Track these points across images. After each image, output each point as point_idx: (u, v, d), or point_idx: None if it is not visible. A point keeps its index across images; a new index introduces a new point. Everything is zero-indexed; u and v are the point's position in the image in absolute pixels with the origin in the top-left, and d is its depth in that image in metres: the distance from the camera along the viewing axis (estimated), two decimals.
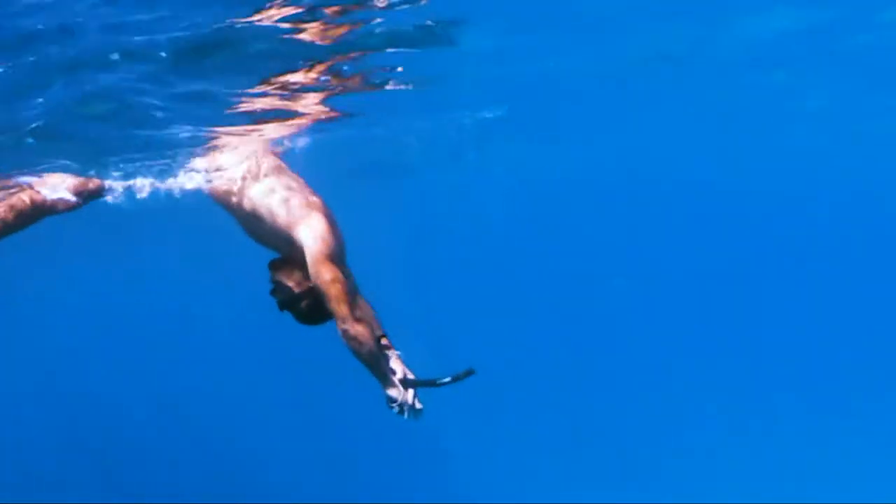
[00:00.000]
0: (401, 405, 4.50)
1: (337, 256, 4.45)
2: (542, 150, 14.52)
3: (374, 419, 4.78)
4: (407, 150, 10.58)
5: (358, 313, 4.41)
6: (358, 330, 4.38)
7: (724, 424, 21.45)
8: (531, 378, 23.50)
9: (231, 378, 21.19)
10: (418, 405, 4.52)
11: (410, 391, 4.48)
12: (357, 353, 4.42)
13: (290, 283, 4.56)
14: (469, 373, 4.36)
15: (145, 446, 18.94)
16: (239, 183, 4.90)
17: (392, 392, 4.49)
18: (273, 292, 4.61)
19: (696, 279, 26.12)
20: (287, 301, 4.57)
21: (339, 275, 4.38)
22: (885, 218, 22.96)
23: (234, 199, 4.87)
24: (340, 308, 4.35)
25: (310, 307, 4.52)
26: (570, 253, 24.96)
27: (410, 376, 4.50)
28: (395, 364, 4.50)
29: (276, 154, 5.34)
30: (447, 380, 4.40)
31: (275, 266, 4.65)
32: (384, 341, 4.61)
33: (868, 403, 21.52)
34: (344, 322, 4.36)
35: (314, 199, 4.63)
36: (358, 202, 7.50)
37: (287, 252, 4.65)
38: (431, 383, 4.45)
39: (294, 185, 4.75)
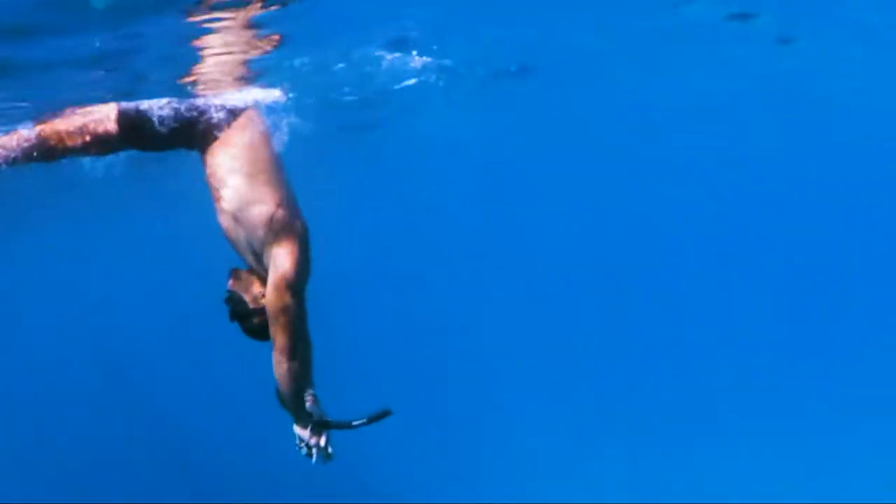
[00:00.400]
0: (308, 446, 4.67)
1: (298, 287, 4.56)
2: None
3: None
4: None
5: (299, 349, 4.55)
6: (291, 366, 4.55)
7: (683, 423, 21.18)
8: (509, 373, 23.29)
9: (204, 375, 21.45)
10: (329, 450, 4.68)
11: (323, 436, 4.65)
12: (282, 386, 4.59)
13: (247, 297, 4.65)
14: (385, 414, 4.49)
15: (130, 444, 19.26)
16: (233, 179, 4.73)
17: (302, 433, 4.68)
18: (227, 300, 4.68)
19: (676, 268, 26.03)
20: (239, 314, 4.66)
21: (293, 305, 4.50)
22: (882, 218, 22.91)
23: (222, 192, 4.73)
24: (282, 338, 4.52)
25: (261, 325, 4.63)
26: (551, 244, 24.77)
27: (326, 419, 4.64)
28: (312, 407, 4.62)
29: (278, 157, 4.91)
30: (363, 421, 4.52)
31: (236, 276, 4.71)
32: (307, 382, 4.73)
33: (867, 402, 21.44)
34: (281, 353, 4.54)
35: (297, 223, 4.64)
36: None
37: (252, 264, 4.70)
38: (346, 425, 4.58)
39: (285, 203, 4.68)
